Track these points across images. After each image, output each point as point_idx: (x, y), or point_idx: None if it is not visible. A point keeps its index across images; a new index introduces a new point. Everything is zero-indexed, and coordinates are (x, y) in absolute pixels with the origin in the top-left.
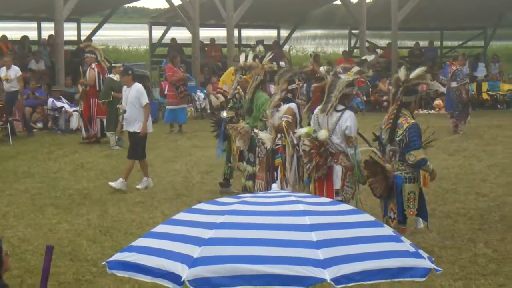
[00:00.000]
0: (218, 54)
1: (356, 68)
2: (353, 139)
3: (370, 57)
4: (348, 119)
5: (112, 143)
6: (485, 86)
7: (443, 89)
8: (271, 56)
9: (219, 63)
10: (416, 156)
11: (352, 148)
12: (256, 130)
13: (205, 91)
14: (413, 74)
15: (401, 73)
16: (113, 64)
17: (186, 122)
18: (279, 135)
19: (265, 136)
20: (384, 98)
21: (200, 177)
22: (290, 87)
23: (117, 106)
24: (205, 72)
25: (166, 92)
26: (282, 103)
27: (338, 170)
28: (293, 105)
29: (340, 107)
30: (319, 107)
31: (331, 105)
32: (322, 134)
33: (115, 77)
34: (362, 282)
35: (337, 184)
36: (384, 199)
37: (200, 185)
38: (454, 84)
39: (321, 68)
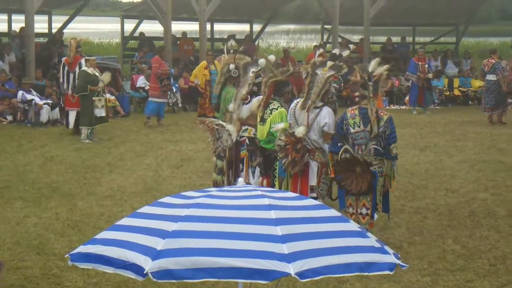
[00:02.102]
0: (190, 48)
1: (330, 63)
2: (331, 136)
3: (345, 52)
4: (326, 116)
5: (83, 137)
6: (456, 82)
7: (408, 84)
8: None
9: (192, 57)
10: (397, 149)
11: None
12: (221, 122)
13: (177, 85)
14: (374, 70)
15: (373, 66)
16: (86, 57)
17: (164, 116)
18: (243, 127)
19: (232, 128)
20: (356, 94)
21: (171, 171)
22: (256, 81)
23: (93, 98)
24: (180, 66)
25: (149, 83)
26: (249, 97)
27: (314, 166)
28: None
29: (319, 103)
30: (296, 102)
31: (312, 102)
32: (300, 131)
33: (89, 70)
34: (329, 276)
35: (313, 180)
36: (354, 194)
37: (170, 179)
38: (492, 77)
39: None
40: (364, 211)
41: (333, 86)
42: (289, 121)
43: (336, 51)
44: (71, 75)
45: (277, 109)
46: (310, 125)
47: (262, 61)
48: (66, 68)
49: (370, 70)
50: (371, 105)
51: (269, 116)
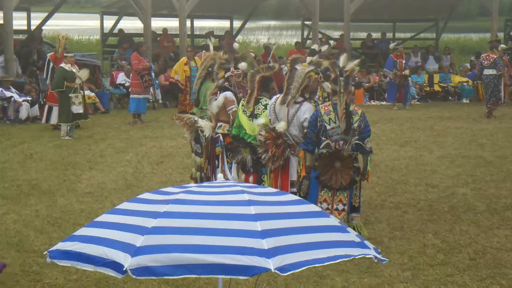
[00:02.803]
0: (171, 44)
1: (309, 59)
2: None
3: (324, 47)
4: (306, 112)
5: (62, 133)
6: (436, 78)
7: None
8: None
9: (172, 54)
10: (370, 142)
11: None
12: (195, 118)
13: (157, 81)
14: (345, 65)
15: (344, 61)
16: (64, 54)
17: (144, 113)
18: (219, 124)
19: (204, 124)
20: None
21: (151, 167)
22: (226, 75)
23: (69, 95)
24: (160, 63)
25: (131, 80)
26: (219, 91)
27: (294, 161)
28: (228, 93)
29: (299, 99)
30: (276, 97)
31: (292, 97)
32: (281, 126)
33: (67, 66)
34: (310, 268)
35: (294, 175)
36: (331, 190)
37: (150, 176)
38: (491, 71)
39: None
40: (340, 207)
41: (327, 86)
42: (268, 116)
43: (315, 46)
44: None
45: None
46: (290, 120)
47: (243, 65)
48: (51, 64)
49: (341, 65)
50: (341, 100)
51: (263, 111)
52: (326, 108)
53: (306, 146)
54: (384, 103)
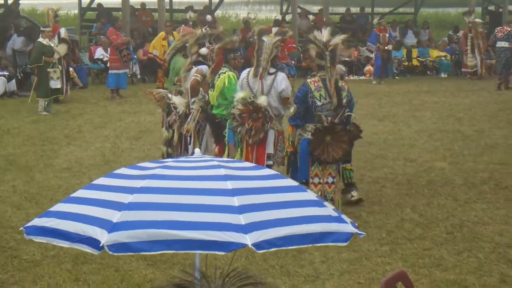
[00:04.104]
0: (149, 19)
1: (275, 29)
2: (290, 99)
3: (288, 16)
4: (282, 81)
5: (40, 109)
6: (415, 53)
7: (372, 55)
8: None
9: (150, 29)
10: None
11: (289, 109)
12: (169, 95)
13: (135, 56)
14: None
15: (327, 36)
16: (42, 28)
17: (125, 87)
18: (192, 99)
19: (178, 101)
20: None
21: (129, 143)
22: (201, 51)
23: (48, 70)
24: (135, 37)
25: (109, 56)
26: (193, 66)
27: (270, 134)
28: (203, 67)
29: (272, 70)
30: (247, 71)
31: (263, 69)
32: (263, 100)
33: (45, 41)
34: (285, 248)
35: (270, 148)
36: (321, 164)
37: (129, 151)
38: (504, 44)
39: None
40: (330, 180)
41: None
42: (238, 90)
43: (279, 17)
44: None
45: (224, 73)
46: (267, 92)
47: (203, 50)
48: None
49: (324, 40)
50: (329, 75)
51: (217, 80)
52: (315, 84)
53: (295, 121)
54: (362, 77)
